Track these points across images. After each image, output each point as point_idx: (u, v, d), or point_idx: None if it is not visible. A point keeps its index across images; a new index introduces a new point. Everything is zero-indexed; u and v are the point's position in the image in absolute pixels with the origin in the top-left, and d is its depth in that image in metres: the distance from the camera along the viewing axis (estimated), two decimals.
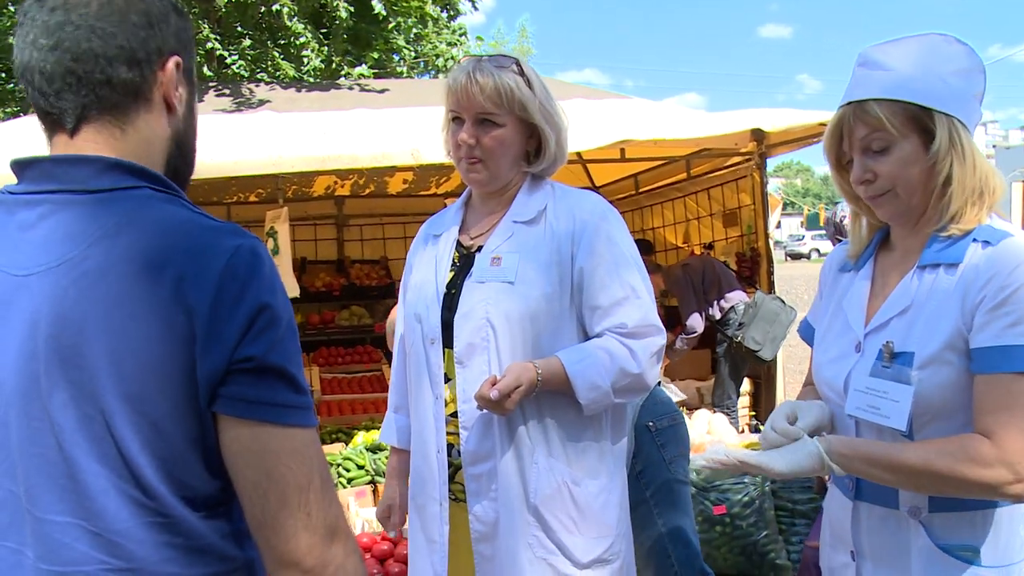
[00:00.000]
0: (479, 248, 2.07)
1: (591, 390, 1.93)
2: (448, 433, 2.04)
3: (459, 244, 2.12)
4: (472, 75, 1.96)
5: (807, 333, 1.84)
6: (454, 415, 2.03)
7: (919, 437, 1.53)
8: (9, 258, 1.07)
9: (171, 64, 1.15)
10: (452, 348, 2.01)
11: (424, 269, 2.13)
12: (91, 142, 1.11)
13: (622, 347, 1.96)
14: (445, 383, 2.04)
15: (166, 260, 1.01)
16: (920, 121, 1.52)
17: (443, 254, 2.11)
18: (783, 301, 5.97)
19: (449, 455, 2.05)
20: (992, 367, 1.44)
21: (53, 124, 1.13)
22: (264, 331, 1.02)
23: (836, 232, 3.70)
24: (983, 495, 1.48)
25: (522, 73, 2.00)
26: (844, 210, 3.64)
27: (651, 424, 2.78)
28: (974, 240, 1.52)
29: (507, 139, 2.00)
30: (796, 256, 41.37)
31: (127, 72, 1.10)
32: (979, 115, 1.57)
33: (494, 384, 1.87)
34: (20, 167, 1.11)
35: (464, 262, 2.08)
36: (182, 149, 1.21)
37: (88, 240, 1.03)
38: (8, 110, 11.50)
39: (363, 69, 10.93)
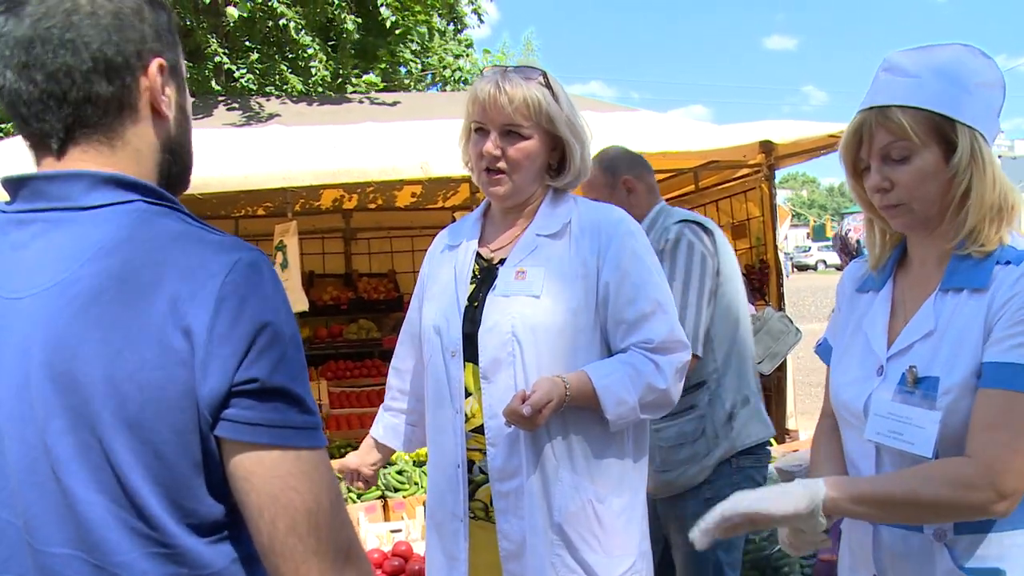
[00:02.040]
0: (501, 261, 2.04)
1: (619, 405, 1.90)
2: (467, 449, 2.01)
3: (479, 256, 2.09)
4: (500, 85, 1.93)
5: (825, 352, 1.81)
6: (473, 431, 2.00)
7: None
8: (2, 280, 1.03)
9: (154, 67, 1.08)
10: (473, 362, 1.98)
11: (443, 281, 2.09)
12: (79, 162, 1.06)
13: (648, 362, 1.94)
14: (465, 397, 2.01)
15: (160, 278, 0.97)
16: (943, 131, 1.49)
17: (463, 266, 2.07)
18: (791, 321, 5.94)
19: (469, 472, 2.02)
20: (990, 382, 1.42)
21: (38, 146, 1.08)
22: (266, 351, 0.98)
23: (843, 247, 3.63)
24: (971, 517, 1.45)
25: (548, 85, 1.98)
26: (850, 225, 3.59)
27: (734, 460, 2.65)
28: (998, 262, 1.48)
29: (533, 151, 1.97)
30: (803, 268, 41.30)
31: (107, 85, 1.04)
32: (997, 130, 1.55)
33: (524, 400, 1.83)
34: (13, 185, 1.07)
35: (485, 275, 2.05)
36: (176, 154, 1.15)
37: (80, 260, 0.99)
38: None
39: (371, 77, 10.96)
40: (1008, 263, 1.47)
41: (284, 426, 0.99)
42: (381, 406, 2.38)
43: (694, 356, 2.47)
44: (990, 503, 1.40)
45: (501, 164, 1.97)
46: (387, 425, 2.33)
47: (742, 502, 1.50)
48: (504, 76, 1.96)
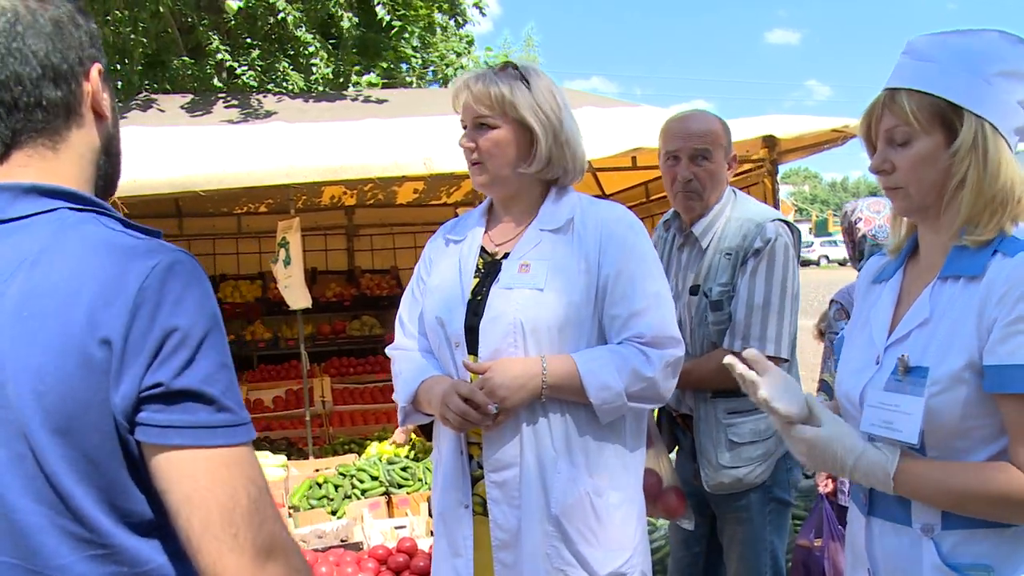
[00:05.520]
0: (505, 255, 2.07)
1: (602, 390, 1.93)
2: (469, 443, 2.04)
3: (482, 250, 2.12)
4: (467, 83, 2.04)
5: (839, 346, 1.81)
6: None
7: (932, 455, 1.48)
8: None
9: (95, 72, 1.12)
10: (475, 353, 2.01)
11: (446, 273, 2.12)
12: (21, 167, 1.07)
13: (638, 353, 1.97)
14: None
15: (78, 291, 0.98)
16: (947, 118, 1.46)
17: (467, 259, 2.10)
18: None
19: (468, 465, 2.04)
20: (1018, 387, 1.38)
21: None
22: (172, 355, 0.99)
23: (849, 230, 3.51)
24: (1008, 522, 1.44)
25: (521, 77, 2.03)
26: (862, 214, 3.44)
27: (783, 457, 2.71)
28: (995, 252, 1.45)
29: (502, 140, 2.02)
30: (805, 263, 41.23)
31: (55, 90, 1.08)
32: None
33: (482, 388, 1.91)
34: None
35: (489, 268, 2.08)
36: (110, 154, 1.18)
37: (4, 276, 1.00)
38: None
39: (372, 77, 10.96)
40: (1006, 255, 1.44)
41: (194, 426, 1.01)
42: (411, 363, 2.17)
43: (784, 360, 2.53)
44: None
45: (475, 156, 2.05)
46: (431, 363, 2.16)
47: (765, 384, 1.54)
48: (475, 74, 2.05)
